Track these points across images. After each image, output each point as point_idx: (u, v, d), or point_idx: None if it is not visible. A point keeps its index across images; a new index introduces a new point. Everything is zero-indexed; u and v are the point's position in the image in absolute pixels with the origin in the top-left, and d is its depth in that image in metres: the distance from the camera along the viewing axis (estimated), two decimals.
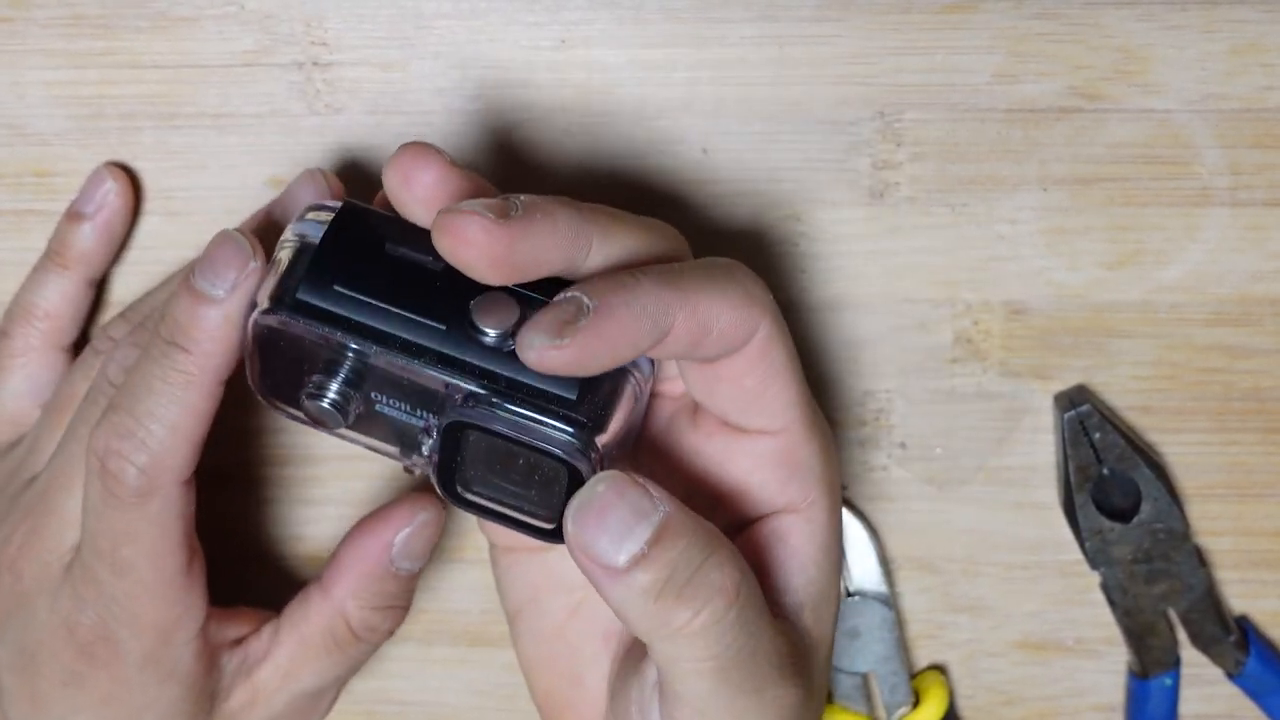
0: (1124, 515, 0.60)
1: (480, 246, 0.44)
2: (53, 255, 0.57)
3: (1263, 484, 0.61)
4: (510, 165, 0.58)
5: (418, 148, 0.46)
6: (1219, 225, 0.58)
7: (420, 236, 0.46)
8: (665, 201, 0.58)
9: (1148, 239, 0.59)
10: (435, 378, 0.46)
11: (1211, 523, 0.61)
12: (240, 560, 0.61)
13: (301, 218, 0.48)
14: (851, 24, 0.56)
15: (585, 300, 0.45)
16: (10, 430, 0.57)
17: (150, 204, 0.58)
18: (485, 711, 0.63)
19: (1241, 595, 0.62)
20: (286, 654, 0.55)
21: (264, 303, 0.47)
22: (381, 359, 0.47)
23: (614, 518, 0.45)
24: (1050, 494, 0.61)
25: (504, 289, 0.47)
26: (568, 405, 0.46)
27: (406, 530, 0.54)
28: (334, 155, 0.58)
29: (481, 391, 0.46)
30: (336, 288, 0.47)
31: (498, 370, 0.46)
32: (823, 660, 0.51)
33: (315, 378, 0.48)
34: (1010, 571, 0.62)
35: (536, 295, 0.46)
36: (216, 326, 0.48)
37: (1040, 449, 0.61)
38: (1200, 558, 0.61)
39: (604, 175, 0.58)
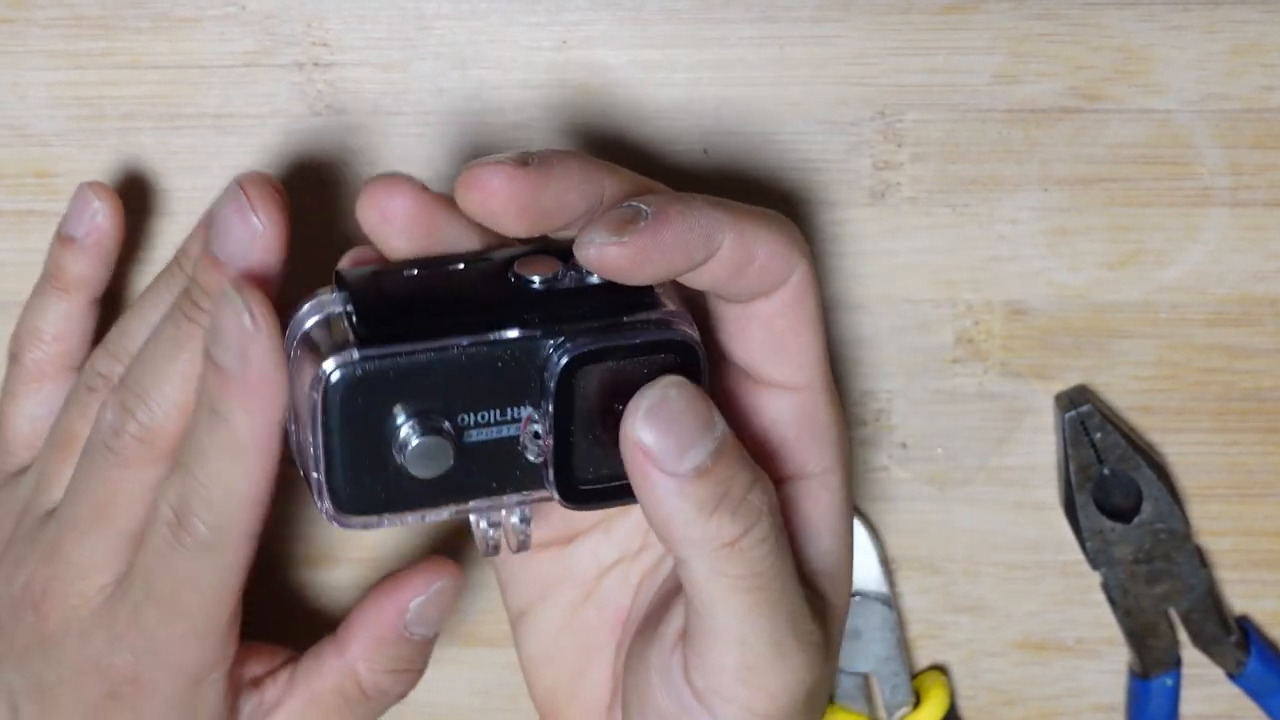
0: (1125, 515, 0.60)
1: (505, 195, 0.45)
2: (51, 280, 0.56)
3: (1263, 484, 0.61)
4: None
5: (385, 179, 0.46)
6: (1219, 225, 0.58)
7: (422, 260, 0.46)
8: None
9: (1148, 239, 0.59)
10: (526, 343, 0.46)
11: (1212, 523, 0.61)
12: None
13: (302, 316, 0.47)
14: (852, 24, 0.56)
15: (643, 206, 0.45)
16: (26, 454, 0.56)
17: (151, 204, 0.58)
18: (485, 711, 0.63)
19: (1242, 595, 0.62)
20: (298, 705, 0.55)
21: (330, 364, 0.45)
22: (465, 354, 0.45)
23: (684, 425, 0.45)
24: (1051, 494, 0.61)
25: (531, 251, 0.47)
26: (651, 296, 0.46)
27: (421, 598, 0.54)
28: (335, 156, 0.58)
29: (575, 327, 0.46)
30: (392, 316, 0.45)
31: (576, 304, 0.46)
32: (838, 632, 0.51)
33: (402, 428, 0.46)
34: (1011, 571, 0.62)
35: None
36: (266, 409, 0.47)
37: (1041, 449, 0.61)
38: (1201, 558, 0.61)
39: None
